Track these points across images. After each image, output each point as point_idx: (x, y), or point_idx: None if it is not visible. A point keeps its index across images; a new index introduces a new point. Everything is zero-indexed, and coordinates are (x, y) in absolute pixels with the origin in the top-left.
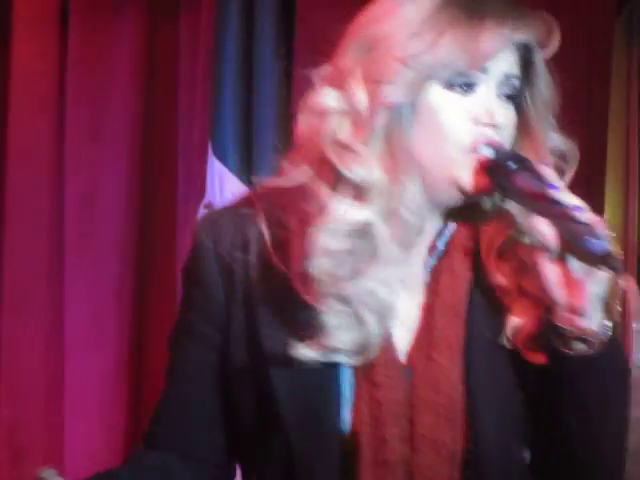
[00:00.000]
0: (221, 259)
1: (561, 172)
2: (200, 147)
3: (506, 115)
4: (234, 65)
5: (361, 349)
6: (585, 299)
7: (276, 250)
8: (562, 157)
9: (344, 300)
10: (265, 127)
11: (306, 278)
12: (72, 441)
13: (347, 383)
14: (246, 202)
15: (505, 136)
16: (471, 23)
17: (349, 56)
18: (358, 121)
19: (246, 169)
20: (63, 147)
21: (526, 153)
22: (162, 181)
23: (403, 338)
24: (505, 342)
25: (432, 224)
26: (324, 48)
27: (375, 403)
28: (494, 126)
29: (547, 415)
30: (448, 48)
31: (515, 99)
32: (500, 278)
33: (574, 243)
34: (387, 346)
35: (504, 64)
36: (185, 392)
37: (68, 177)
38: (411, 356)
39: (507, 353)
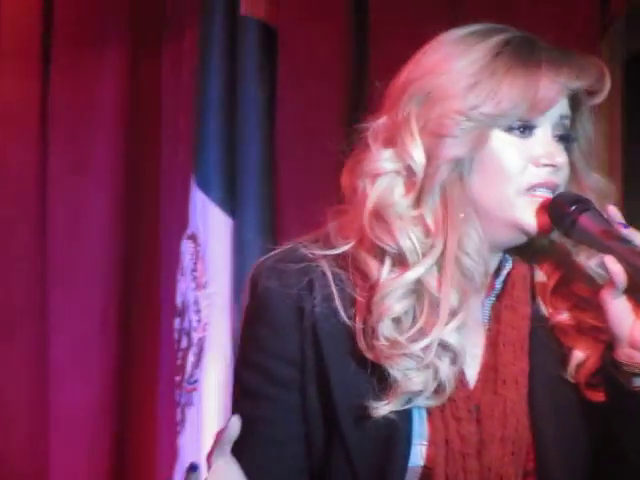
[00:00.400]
0: (290, 299)
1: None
2: (183, 178)
3: (563, 155)
4: (217, 96)
5: (435, 392)
6: None
7: (343, 305)
8: (601, 196)
9: (412, 357)
10: (248, 158)
11: (370, 340)
12: (57, 473)
13: (421, 418)
14: (299, 253)
15: (562, 176)
16: (528, 71)
17: (403, 110)
18: (412, 179)
19: (229, 200)
20: (47, 179)
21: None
22: (145, 213)
23: (472, 375)
24: (569, 377)
25: (490, 264)
26: (307, 74)
27: (457, 437)
28: (554, 166)
29: (609, 449)
30: (508, 97)
31: (567, 139)
32: (557, 314)
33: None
34: (462, 381)
35: (560, 106)
36: (273, 438)
37: (52, 209)
38: (476, 393)
39: (571, 388)
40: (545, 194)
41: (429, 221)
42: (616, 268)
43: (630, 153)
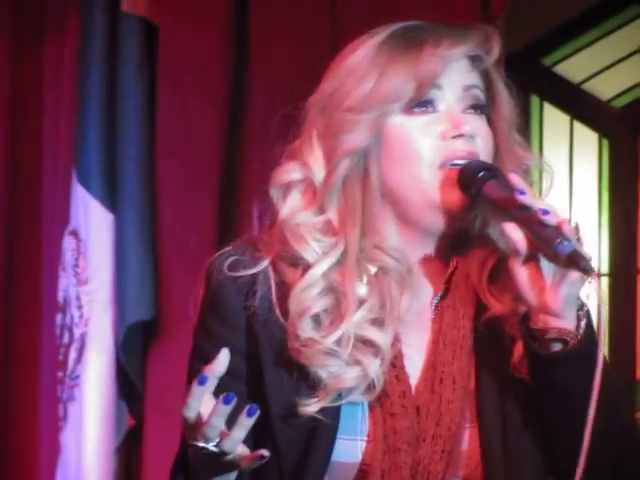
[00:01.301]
0: (239, 292)
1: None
2: (64, 174)
3: (476, 125)
4: (98, 93)
5: (367, 389)
6: (559, 300)
7: (279, 304)
8: (527, 171)
9: (330, 354)
10: (128, 154)
11: (292, 341)
12: None
13: (363, 415)
14: (251, 249)
15: (480, 146)
16: (409, 52)
17: (310, 121)
18: (314, 187)
19: (110, 196)
20: None
21: (512, 155)
22: (27, 208)
23: (413, 373)
24: (514, 372)
25: (432, 264)
26: (188, 74)
27: (391, 431)
28: (463, 136)
29: (542, 431)
30: (390, 82)
31: (483, 110)
32: (498, 305)
33: (544, 246)
34: (401, 378)
35: (459, 77)
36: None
37: None
38: (417, 390)
39: (517, 384)
40: (458, 166)
41: (334, 221)
42: (516, 235)
43: None
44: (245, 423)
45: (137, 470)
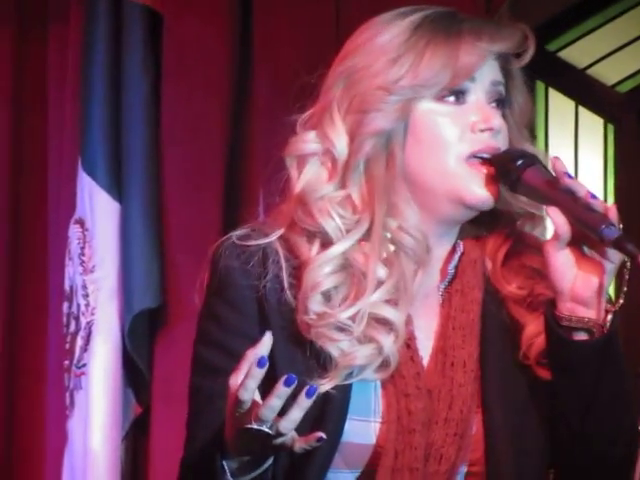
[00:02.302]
0: (248, 277)
1: None
2: (70, 163)
3: (500, 120)
4: (103, 81)
5: (381, 367)
6: (590, 289)
7: (289, 283)
8: None
9: (342, 329)
10: (134, 143)
11: (302, 316)
12: None
13: (376, 396)
14: (258, 232)
15: (502, 140)
16: (449, 40)
17: (332, 92)
18: (335, 161)
19: (116, 185)
20: None
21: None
22: (33, 197)
23: (424, 356)
24: (521, 358)
25: (442, 248)
26: (193, 63)
27: (405, 412)
28: (492, 130)
29: (555, 420)
30: (429, 68)
31: (502, 105)
32: (509, 287)
33: (589, 231)
34: (416, 359)
35: (489, 72)
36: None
37: None
38: (428, 373)
39: (524, 371)
40: (488, 157)
41: (355, 198)
42: (560, 220)
43: None
44: (304, 404)
45: (144, 458)
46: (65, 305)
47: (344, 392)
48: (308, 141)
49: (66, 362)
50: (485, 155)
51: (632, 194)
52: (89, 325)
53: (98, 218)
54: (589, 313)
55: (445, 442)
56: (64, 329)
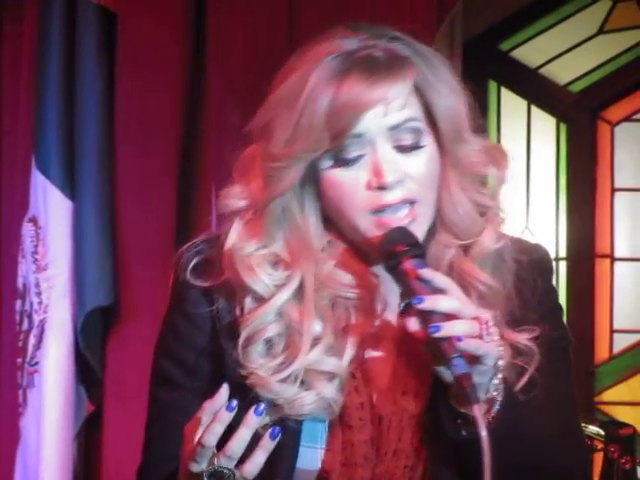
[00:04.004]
0: (205, 292)
1: (484, 180)
2: (23, 161)
3: (406, 165)
4: (56, 79)
5: (322, 408)
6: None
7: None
8: (494, 162)
9: (282, 385)
10: (87, 141)
11: (244, 370)
12: None
13: (323, 423)
14: (216, 248)
15: (411, 186)
16: (325, 99)
17: (254, 138)
18: (256, 218)
19: (69, 183)
20: None
21: (450, 175)
22: None
23: (378, 381)
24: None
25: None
26: (146, 59)
27: (348, 444)
28: (384, 188)
29: None
30: (309, 132)
31: (419, 140)
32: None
33: (438, 356)
34: (360, 390)
35: (381, 120)
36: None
37: None
38: (380, 399)
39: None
40: (389, 215)
41: (282, 253)
42: (412, 327)
43: None
44: (268, 446)
45: (97, 455)
46: (18, 303)
47: (297, 422)
48: (232, 197)
49: (19, 360)
50: (390, 211)
51: (584, 192)
52: (42, 323)
53: (51, 216)
54: (469, 409)
55: (394, 475)
56: (17, 327)
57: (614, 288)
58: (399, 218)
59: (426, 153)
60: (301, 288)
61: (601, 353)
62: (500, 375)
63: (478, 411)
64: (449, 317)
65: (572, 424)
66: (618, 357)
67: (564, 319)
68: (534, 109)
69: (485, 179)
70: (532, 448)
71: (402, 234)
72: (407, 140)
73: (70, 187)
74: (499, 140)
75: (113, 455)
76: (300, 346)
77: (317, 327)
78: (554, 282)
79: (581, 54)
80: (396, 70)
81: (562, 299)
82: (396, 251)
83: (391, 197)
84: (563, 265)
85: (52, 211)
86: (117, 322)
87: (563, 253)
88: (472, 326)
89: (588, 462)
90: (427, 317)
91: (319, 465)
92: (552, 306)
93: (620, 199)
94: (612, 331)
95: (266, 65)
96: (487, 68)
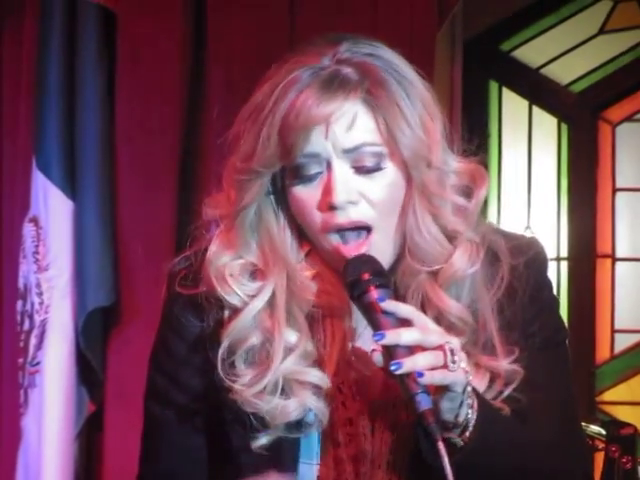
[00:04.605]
0: (196, 309)
1: (470, 192)
2: (24, 161)
3: (361, 187)
4: (57, 79)
5: (311, 420)
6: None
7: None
8: (471, 176)
9: (262, 397)
10: (88, 141)
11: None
12: None
13: (317, 438)
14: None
15: (365, 209)
16: (278, 117)
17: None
18: (229, 229)
19: (70, 183)
20: None
21: (416, 200)
22: None
23: (371, 391)
24: None
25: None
26: (147, 63)
27: (338, 460)
28: (335, 208)
29: None
30: (265, 148)
31: (378, 162)
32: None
33: (403, 389)
34: (347, 405)
35: (335, 141)
36: (176, 442)
37: None
38: (372, 414)
39: None
40: (344, 242)
41: (258, 264)
42: (378, 360)
43: None
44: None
45: (98, 455)
46: (19, 303)
47: (295, 439)
48: (214, 206)
49: (20, 360)
50: (337, 236)
51: (585, 193)
52: (43, 323)
53: (52, 216)
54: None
55: None
56: (18, 327)
57: (615, 288)
58: (352, 247)
59: (387, 177)
60: (274, 298)
61: (602, 353)
62: (469, 400)
63: (442, 447)
64: (414, 349)
65: (572, 423)
66: (619, 357)
67: (560, 312)
68: (535, 109)
69: (460, 200)
70: (530, 451)
71: (364, 262)
72: (367, 162)
73: (71, 187)
74: (500, 141)
75: (114, 455)
76: (273, 356)
77: (292, 337)
78: (550, 276)
79: (582, 54)
80: (349, 89)
81: (563, 299)
82: (360, 280)
83: (342, 218)
84: (564, 265)
85: (53, 211)
86: (118, 322)
87: (564, 253)
88: (436, 357)
89: (589, 462)
90: (391, 351)
91: None
92: (548, 301)
93: (621, 199)
94: (613, 331)
95: (266, 65)
96: (488, 68)
